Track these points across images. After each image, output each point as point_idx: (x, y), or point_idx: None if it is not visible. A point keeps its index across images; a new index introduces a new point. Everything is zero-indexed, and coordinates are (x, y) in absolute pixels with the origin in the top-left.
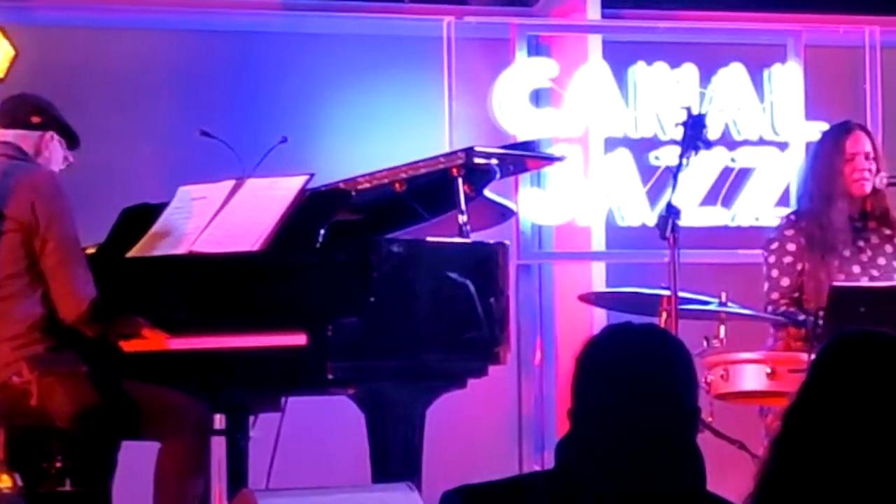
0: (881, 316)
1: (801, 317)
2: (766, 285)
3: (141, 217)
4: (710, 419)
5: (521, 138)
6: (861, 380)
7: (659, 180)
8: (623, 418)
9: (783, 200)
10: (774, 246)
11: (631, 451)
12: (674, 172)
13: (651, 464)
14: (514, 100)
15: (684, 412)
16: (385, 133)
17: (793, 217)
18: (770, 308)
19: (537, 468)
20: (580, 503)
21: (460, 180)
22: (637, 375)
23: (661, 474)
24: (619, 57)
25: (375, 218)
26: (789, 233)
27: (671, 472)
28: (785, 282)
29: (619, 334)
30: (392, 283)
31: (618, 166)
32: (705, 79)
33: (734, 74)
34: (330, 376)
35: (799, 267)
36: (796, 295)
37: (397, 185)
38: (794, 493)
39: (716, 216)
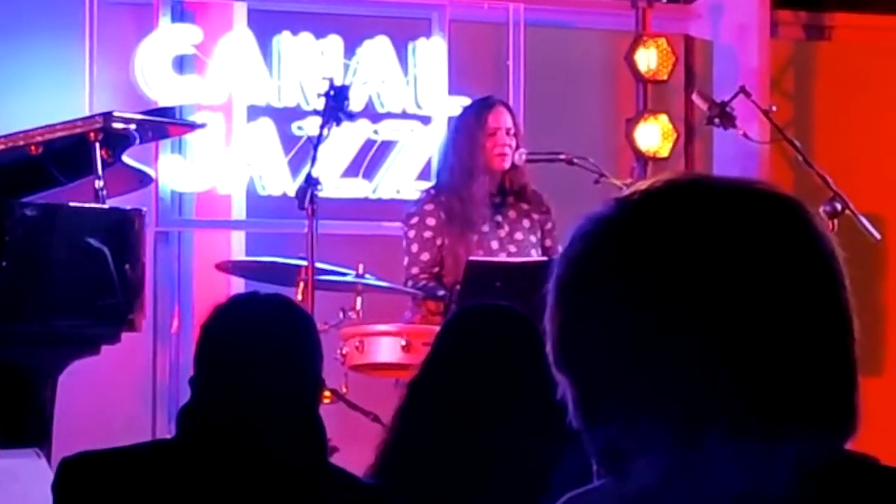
0: (516, 290)
1: (440, 291)
2: (405, 259)
3: None
4: (344, 390)
5: (163, 104)
6: (476, 352)
7: (301, 150)
8: (244, 388)
9: (425, 174)
10: (414, 220)
11: (251, 421)
12: (314, 143)
13: (272, 435)
14: (156, 65)
15: (307, 383)
16: (23, 95)
17: (433, 191)
18: (410, 283)
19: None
20: (201, 473)
21: (98, 145)
22: (260, 345)
23: (282, 446)
24: (264, 26)
25: (10, 181)
26: (429, 207)
27: (292, 443)
28: (425, 256)
29: (244, 303)
30: (25, 248)
31: (260, 135)
32: (350, 50)
33: (379, 47)
34: None
35: (439, 242)
36: (436, 269)
37: (33, 148)
38: (411, 462)
39: (357, 188)
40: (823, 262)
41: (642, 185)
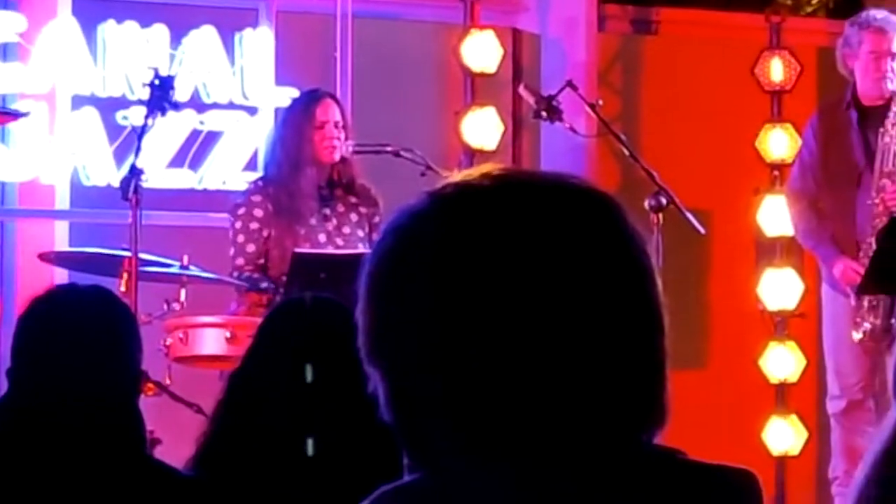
0: (342, 282)
1: (265, 283)
2: (231, 250)
3: None
4: (168, 382)
5: None
6: (296, 343)
7: (126, 140)
8: (60, 380)
9: (251, 165)
10: (241, 212)
11: (67, 414)
12: (139, 133)
13: (88, 427)
14: None
15: (125, 375)
16: None
17: (260, 183)
18: (235, 273)
19: None
20: (16, 466)
21: None
22: (76, 337)
23: (99, 438)
24: (89, 14)
25: None
26: (256, 199)
27: (109, 436)
28: (251, 248)
29: (62, 295)
30: None
31: (85, 124)
32: (176, 40)
33: (205, 37)
34: None
35: (265, 234)
36: (261, 261)
37: None
38: (230, 455)
39: (183, 179)
40: (632, 259)
41: (454, 179)
